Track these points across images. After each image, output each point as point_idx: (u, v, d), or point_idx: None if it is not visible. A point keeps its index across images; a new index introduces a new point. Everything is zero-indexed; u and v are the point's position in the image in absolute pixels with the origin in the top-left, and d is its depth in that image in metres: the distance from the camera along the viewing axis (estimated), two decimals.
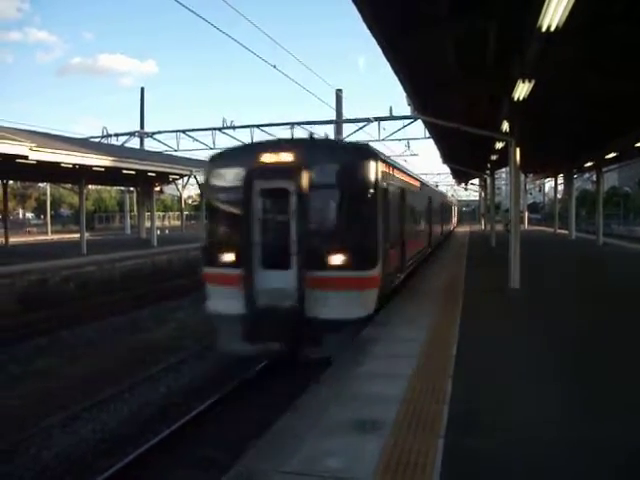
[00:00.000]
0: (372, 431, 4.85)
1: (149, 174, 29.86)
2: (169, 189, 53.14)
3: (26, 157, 19.50)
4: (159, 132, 41.68)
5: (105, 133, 41.90)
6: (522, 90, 10.09)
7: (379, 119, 35.82)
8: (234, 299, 9.04)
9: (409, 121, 34.40)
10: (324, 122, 37.40)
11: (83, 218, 27.74)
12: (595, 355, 7.47)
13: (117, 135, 42.04)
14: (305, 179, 8.93)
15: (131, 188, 44.90)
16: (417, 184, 17.87)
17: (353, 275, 9.02)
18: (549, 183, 62.48)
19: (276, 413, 5.68)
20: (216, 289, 9.71)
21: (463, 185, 64.30)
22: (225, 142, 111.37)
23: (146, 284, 21.06)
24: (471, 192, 76.84)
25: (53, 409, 8.74)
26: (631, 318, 9.70)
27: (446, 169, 53.22)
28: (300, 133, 36.53)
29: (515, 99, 10.59)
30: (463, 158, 28.40)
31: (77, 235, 29.68)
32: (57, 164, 22.40)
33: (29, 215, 72.52)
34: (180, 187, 39.07)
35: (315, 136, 11.67)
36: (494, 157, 22.27)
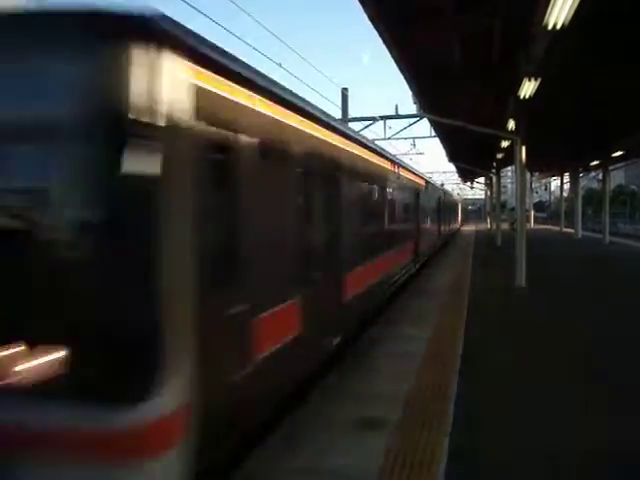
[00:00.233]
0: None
1: None
2: None
3: None
4: None
5: None
6: (528, 88, 10.09)
7: (385, 118, 35.77)
8: None
9: (415, 120, 34.37)
10: None
11: None
12: (606, 355, 7.47)
13: None
14: None
15: None
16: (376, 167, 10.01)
17: (76, 420, 2.90)
18: (555, 182, 62.53)
19: None
20: None
21: (469, 184, 64.13)
22: None
23: None
24: (477, 191, 76.70)
25: None
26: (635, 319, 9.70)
27: (452, 168, 53.27)
28: None
29: (521, 97, 10.60)
30: (469, 157, 28.43)
31: None
32: None
33: None
34: None
35: None
36: (500, 155, 22.28)
